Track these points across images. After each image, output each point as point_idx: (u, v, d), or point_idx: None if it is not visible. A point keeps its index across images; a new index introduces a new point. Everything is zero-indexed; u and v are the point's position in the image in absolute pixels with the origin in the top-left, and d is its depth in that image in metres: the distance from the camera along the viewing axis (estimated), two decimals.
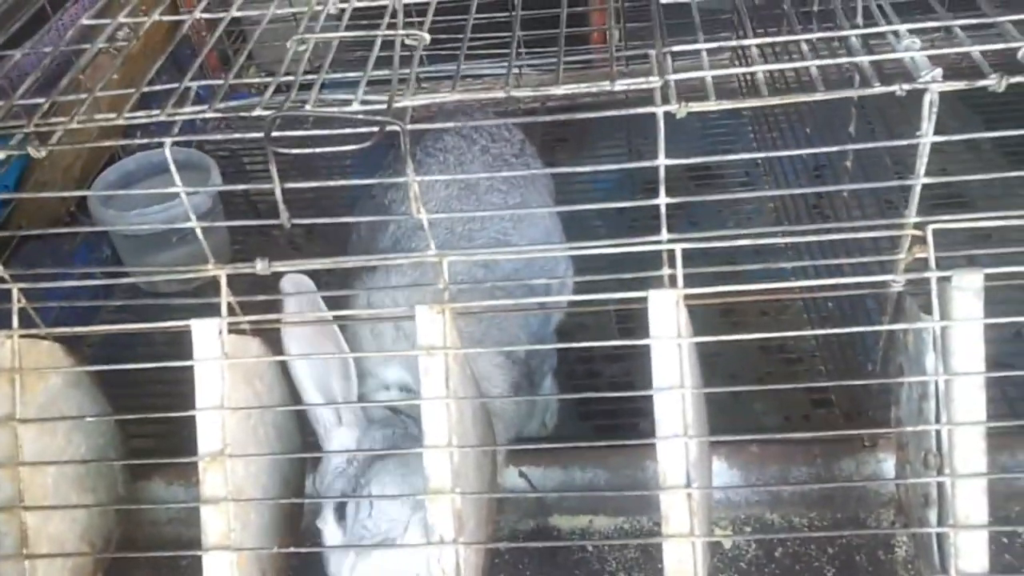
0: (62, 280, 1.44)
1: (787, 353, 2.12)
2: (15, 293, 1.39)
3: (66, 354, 1.50)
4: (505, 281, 1.67)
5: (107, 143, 2.21)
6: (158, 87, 1.32)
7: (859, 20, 1.33)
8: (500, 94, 1.20)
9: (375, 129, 1.15)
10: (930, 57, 1.17)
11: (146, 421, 1.76)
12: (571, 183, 2.64)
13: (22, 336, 1.41)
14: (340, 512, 1.42)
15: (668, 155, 1.18)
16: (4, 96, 1.35)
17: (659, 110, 1.16)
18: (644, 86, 1.18)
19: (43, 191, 2.42)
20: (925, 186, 1.21)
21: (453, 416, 1.32)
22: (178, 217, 2.31)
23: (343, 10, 1.41)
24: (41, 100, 1.30)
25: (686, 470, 1.28)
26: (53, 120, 1.25)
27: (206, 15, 1.48)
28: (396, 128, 1.14)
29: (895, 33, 1.22)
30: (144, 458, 1.78)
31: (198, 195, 2.34)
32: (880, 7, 1.31)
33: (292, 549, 1.43)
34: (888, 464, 1.65)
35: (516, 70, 1.20)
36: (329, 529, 1.42)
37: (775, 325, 2.10)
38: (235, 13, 1.45)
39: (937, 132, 1.15)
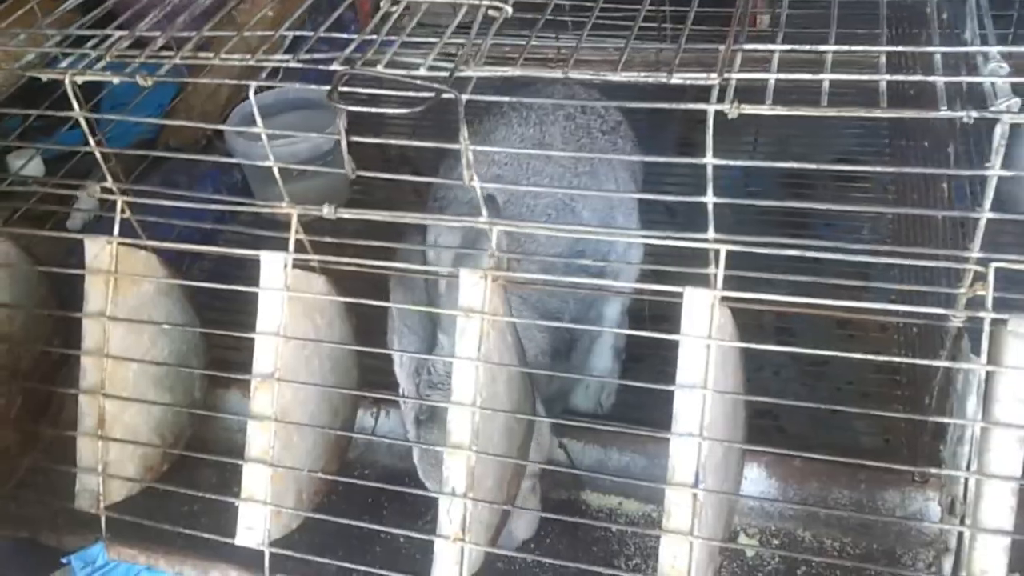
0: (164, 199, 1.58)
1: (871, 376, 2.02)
2: (119, 204, 1.54)
3: (161, 265, 1.65)
4: (557, 258, 1.66)
5: (231, 82, 2.39)
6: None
7: (956, 31, 1.26)
8: (558, 74, 1.22)
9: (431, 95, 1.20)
10: (1014, 85, 1.09)
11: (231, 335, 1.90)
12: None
13: (121, 244, 1.57)
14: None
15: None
16: (163, 28, 1.46)
17: (711, 108, 1.15)
18: (702, 82, 1.17)
19: (191, 113, 2.66)
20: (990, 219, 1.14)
21: (481, 379, 1.37)
22: (299, 153, 2.47)
23: None
24: (192, 34, 1.42)
25: (695, 470, 1.28)
26: (201, 55, 1.39)
27: None
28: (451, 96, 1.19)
29: (984, 55, 1.15)
30: (224, 370, 1.94)
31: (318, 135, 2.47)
32: (982, 19, 1.23)
33: (320, 474, 1.53)
34: (935, 504, 1.58)
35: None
36: None
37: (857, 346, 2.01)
38: None
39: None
